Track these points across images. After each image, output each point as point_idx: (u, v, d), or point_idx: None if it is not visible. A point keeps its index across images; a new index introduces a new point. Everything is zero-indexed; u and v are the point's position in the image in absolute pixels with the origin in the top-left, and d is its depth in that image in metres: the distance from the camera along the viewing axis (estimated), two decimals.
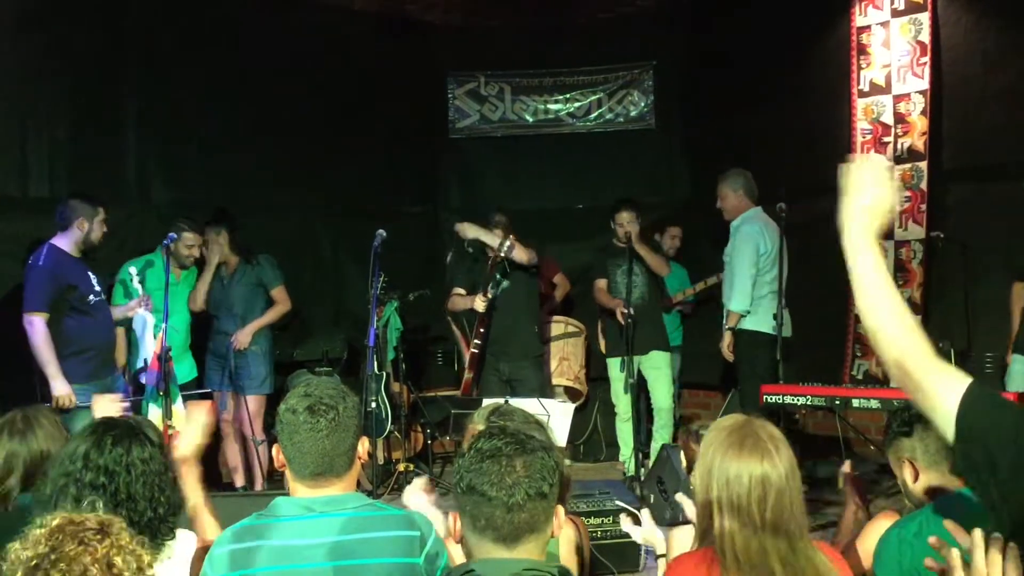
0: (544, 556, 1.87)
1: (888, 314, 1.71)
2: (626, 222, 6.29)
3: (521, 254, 6.02)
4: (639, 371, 6.51)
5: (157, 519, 2.28)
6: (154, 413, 4.93)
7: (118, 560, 1.53)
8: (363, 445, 2.33)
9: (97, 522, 1.60)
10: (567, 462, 3.23)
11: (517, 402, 3.53)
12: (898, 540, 2.25)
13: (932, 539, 1.66)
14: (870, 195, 1.79)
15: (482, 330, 6.12)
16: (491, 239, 6.08)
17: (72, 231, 5.20)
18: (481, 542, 1.83)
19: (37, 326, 4.94)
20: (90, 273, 5.28)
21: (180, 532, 2.41)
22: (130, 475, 2.25)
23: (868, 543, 2.69)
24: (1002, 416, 1.59)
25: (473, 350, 6.17)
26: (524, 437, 1.91)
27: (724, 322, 6.10)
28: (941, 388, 1.64)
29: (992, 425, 1.57)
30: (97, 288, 5.28)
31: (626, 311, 6.21)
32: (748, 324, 6.05)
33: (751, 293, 5.93)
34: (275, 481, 5.90)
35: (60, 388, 4.95)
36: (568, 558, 2.72)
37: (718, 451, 2.03)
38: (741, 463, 1.99)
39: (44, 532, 1.55)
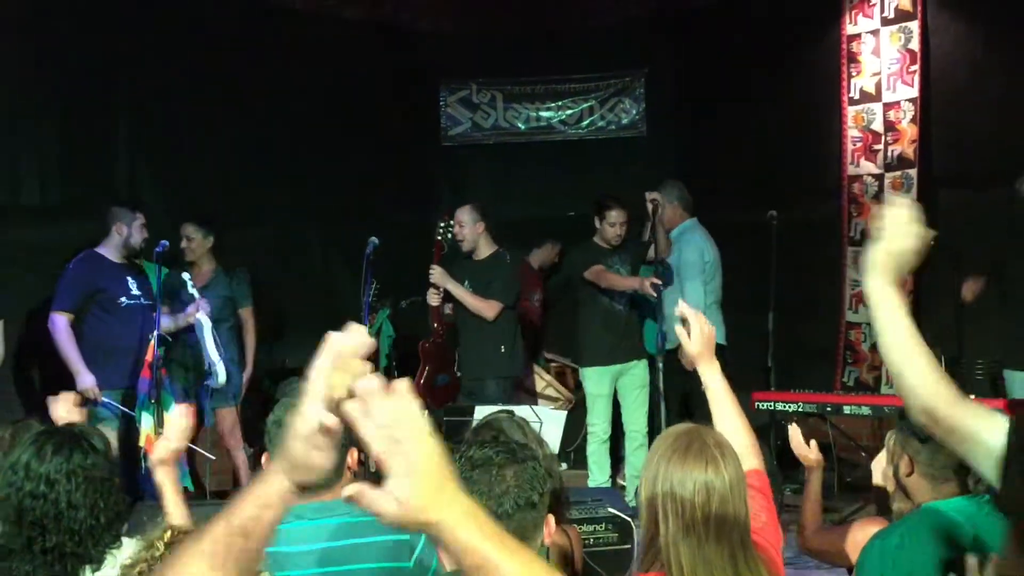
0: None
1: (908, 358, 1.77)
2: (619, 221, 6.05)
3: (464, 239, 5.95)
4: (613, 384, 6.17)
5: (99, 527, 2.25)
6: (146, 422, 4.93)
7: None
8: (352, 456, 2.32)
9: None
10: (562, 465, 3.22)
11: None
12: (880, 551, 2.27)
13: None
14: (898, 241, 1.84)
15: (435, 325, 6.03)
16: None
17: (112, 236, 5.41)
18: None
19: (58, 324, 5.19)
20: (130, 279, 5.39)
21: (127, 541, 2.38)
22: (71, 483, 2.23)
23: (858, 538, 2.70)
24: None
25: (424, 343, 6.10)
26: (516, 446, 1.90)
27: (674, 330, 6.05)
28: (980, 429, 1.70)
29: None
30: (135, 293, 5.37)
31: (657, 282, 5.74)
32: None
33: (704, 300, 5.96)
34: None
35: (84, 380, 5.13)
36: (556, 566, 2.71)
37: (663, 457, 1.99)
38: (685, 469, 1.95)
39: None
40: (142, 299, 5.43)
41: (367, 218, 7.26)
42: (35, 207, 6.22)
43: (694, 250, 6.07)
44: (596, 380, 6.12)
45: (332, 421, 1.09)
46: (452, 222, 5.95)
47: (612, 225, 6.06)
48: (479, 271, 5.98)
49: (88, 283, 5.32)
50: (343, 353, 1.11)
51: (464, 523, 1.07)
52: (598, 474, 6.14)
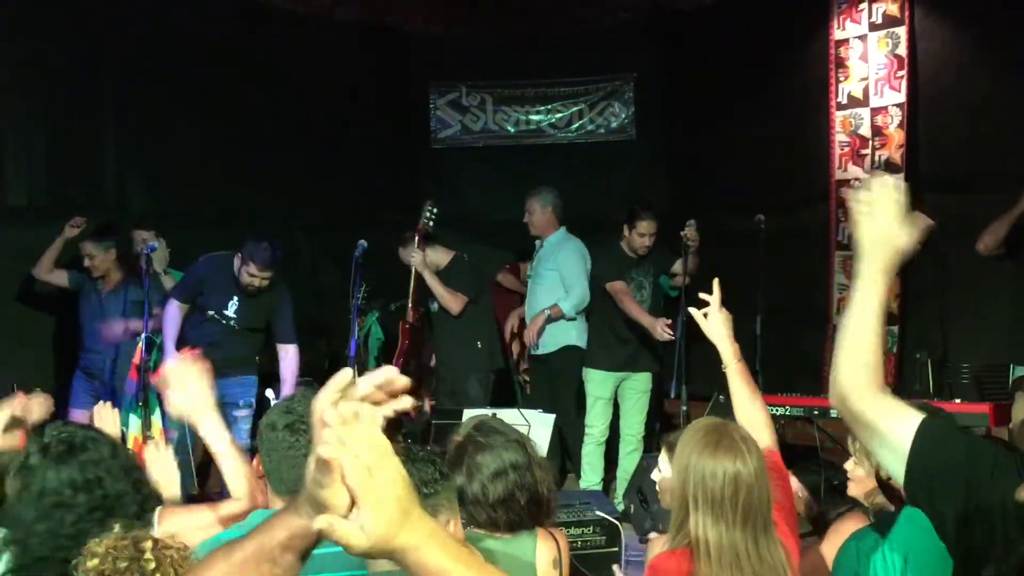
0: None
1: (854, 344, 1.75)
2: (649, 232, 5.98)
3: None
4: (615, 389, 6.22)
5: (140, 508, 2.25)
6: (134, 425, 4.92)
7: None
8: None
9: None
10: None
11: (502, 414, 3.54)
12: (856, 552, 2.30)
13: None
14: (883, 230, 1.76)
15: (410, 305, 6.16)
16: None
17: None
18: None
19: (167, 307, 5.57)
20: (236, 298, 5.53)
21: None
22: (111, 475, 2.22)
23: (835, 545, 2.74)
24: (955, 448, 1.62)
25: (404, 323, 6.21)
26: (415, 448, 2.00)
27: (544, 312, 6.19)
28: (891, 421, 1.68)
29: (945, 458, 1.60)
30: (228, 314, 5.54)
31: (670, 330, 5.68)
32: (578, 340, 6.28)
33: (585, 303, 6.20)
34: None
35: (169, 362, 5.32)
36: (547, 573, 2.71)
37: (694, 450, 2.19)
38: (716, 461, 2.16)
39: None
40: (232, 322, 5.54)
41: (356, 220, 7.26)
42: (23, 208, 6.20)
43: (577, 255, 6.29)
44: (599, 383, 6.14)
45: (329, 455, 1.05)
46: (434, 208, 6.11)
47: (642, 236, 6.01)
48: (444, 280, 6.13)
49: (198, 282, 5.59)
50: (345, 388, 1.08)
51: (427, 545, 1.07)
52: (591, 475, 6.16)
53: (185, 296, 5.60)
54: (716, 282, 2.72)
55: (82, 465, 2.18)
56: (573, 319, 6.23)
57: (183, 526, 2.32)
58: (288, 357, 5.63)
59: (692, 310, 2.73)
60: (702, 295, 2.74)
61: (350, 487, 1.03)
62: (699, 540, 2.14)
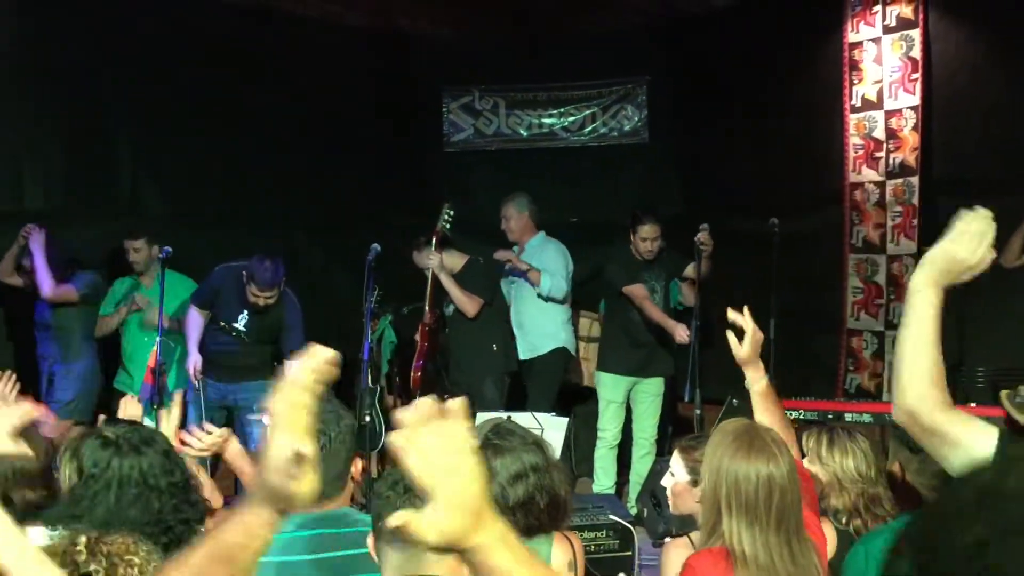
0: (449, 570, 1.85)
1: (914, 357, 1.79)
2: (651, 236, 5.99)
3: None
4: (628, 393, 6.22)
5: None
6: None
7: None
8: (356, 466, 2.32)
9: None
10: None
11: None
12: (864, 555, 2.30)
13: None
14: (964, 250, 1.82)
15: (427, 308, 6.15)
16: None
17: None
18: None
19: (188, 313, 5.80)
20: (247, 312, 5.66)
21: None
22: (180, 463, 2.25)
23: None
24: None
25: (423, 325, 6.19)
26: None
27: (529, 266, 6.29)
28: (965, 436, 1.72)
29: None
30: (238, 326, 5.70)
31: (689, 333, 5.71)
32: (566, 343, 6.35)
33: (567, 295, 6.35)
34: None
35: (188, 360, 5.70)
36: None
37: (725, 453, 2.17)
38: (749, 464, 2.13)
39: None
40: (243, 334, 5.67)
41: (369, 224, 7.25)
42: (39, 212, 6.23)
43: (559, 254, 6.42)
44: (611, 386, 6.16)
45: (307, 449, 1.09)
46: (451, 211, 6.14)
47: (644, 240, 6.03)
48: (459, 283, 6.13)
49: (213, 292, 5.76)
50: (302, 379, 1.13)
51: (497, 547, 1.09)
52: (604, 479, 6.18)
53: (202, 303, 5.77)
54: (747, 310, 2.72)
55: (156, 453, 2.20)
56: (541, 298, 6.32)
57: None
58: None
59: (728, 333, 2.72)
60: (732, 315, 2.72)
61: (423, 487, 1.05)
62: (733, 545, 2.13)
